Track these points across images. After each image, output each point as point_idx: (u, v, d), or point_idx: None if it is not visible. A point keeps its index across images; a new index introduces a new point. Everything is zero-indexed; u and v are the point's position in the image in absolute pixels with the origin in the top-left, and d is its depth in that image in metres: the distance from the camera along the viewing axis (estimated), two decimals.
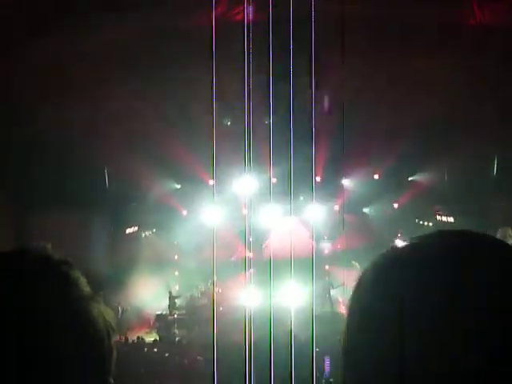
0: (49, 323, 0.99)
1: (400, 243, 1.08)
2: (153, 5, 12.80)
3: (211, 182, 23.75)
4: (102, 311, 1.09)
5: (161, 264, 23.75)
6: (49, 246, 1.18)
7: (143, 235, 23.54)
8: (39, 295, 1.02)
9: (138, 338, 16.64)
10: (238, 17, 12.72)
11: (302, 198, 20.27)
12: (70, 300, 1.05)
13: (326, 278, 24.31)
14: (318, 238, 26.18)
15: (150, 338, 18.08)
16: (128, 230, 22.16)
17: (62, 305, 1.03)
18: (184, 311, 22.49)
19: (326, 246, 26.66)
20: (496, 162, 16.72)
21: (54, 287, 1.06)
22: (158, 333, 19.29)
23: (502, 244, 0.98)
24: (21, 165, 18.27)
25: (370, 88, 18.88)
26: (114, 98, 17.81)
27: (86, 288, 1.11)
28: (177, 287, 24.13)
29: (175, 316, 22.11)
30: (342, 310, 22.85)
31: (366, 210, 25.94)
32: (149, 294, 22.05)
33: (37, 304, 1.00)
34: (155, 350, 16.68)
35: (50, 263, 1.12)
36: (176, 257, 25.09)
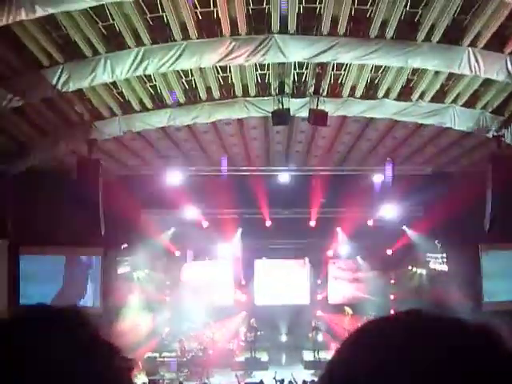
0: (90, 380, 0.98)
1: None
2: None
3: (205, 225, 23.82)
4: (124, 366, 1.06)
5: (152, 305, 23.60)
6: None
7: (135, 276, 23.42)
8: (61, 357, 1.00)
9: None
10: None
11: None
12: (92, 360, 1.03)
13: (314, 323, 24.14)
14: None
15: (139, 380, 17.83)
16: (120, 271, 22.04)
17: (105, 364, 1.01)
18: (174, 354, 22.26)
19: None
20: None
21: (75, 348, 1.04)
22: (146, 375, 19.04)
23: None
24: (13, 202, 18.25)
25: None
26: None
27: (108, 345, 1.10)
28: (167, 329, 23.92)
29: (165, 359, 21.88)
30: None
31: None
32: (139, 336, 21.85)
33: (64, 367, 0.98)
34: None
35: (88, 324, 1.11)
36: (167, 298, 24.96)
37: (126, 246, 21.99)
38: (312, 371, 21.02)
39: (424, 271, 24.18)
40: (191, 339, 22.88)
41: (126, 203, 19.62)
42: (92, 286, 19.62)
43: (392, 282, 25.58)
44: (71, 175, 19.22)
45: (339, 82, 15.21)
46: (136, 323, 21.93)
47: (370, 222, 23.85)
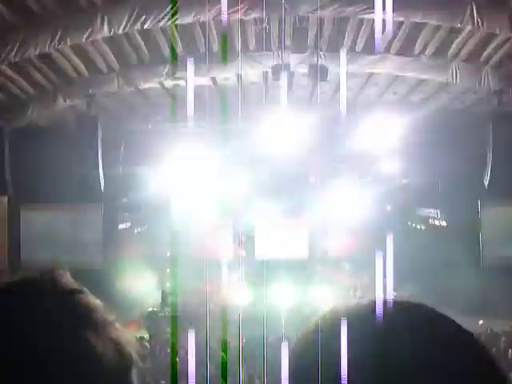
0: (60, 358, 0.94)
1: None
2: None
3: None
4: (120, 340, 1.01)
5: (153, 260, 23.73)
6: (65, 272, 1.12)
7: (135, 231, 23.50)
8: (50, 326, 0.96)
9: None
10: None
11: None
12: (81, 332, 0.98)
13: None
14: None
15: (140, 335, 18.03)
16: (120, 226, 22.11)
17: (73, 337, 0.97)
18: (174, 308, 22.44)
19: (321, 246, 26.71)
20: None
21: (66, 318, 1.00)
22: (147, 330, 19.24)
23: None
24: (11, 159, 18.21)
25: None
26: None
27: (102, 316, 1.04)
28: (168, 284, 24.10)
29: (166, 313, 22.07)
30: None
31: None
32: (140, 291, 22.04)
33: (48, 336, 0.95)
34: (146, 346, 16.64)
35: (63, 291, 1.06)
36: (168, 253, 25.06)
37: (125, 201, 22.01)
38: None
39: (423, 227, 24.27)
40: (192, 294, 23.04)
41: (126, 159, 19.59)
42: (92, 241, 19.66)
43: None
44: (71, 131, 19.18)
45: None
46: (136, 278, 22.09)
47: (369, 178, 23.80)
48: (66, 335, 0.97)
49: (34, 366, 0.93)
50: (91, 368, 0.96)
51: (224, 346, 15.33)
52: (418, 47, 15.16)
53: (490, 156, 17.09)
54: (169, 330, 19.62)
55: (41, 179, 18.24)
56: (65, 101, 17.03)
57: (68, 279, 1.08)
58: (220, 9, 12.49)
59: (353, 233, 26.12)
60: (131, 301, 21.18)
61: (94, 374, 0.96)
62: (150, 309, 22.16)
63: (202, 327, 20.08)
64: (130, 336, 1.07)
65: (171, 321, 20.54)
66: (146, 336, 18.55)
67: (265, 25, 14.60)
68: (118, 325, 1.06)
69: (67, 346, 0.96)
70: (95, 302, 1.07)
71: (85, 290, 1.08)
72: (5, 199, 18.09)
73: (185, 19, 13.11)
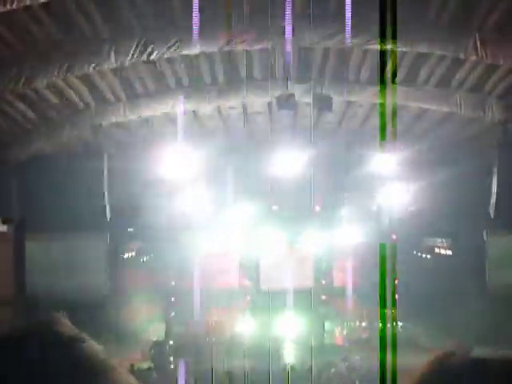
0: None
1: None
2: None
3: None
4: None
5: (158, 290, 23.63)
6: (64, 318, 1.12)
7: (141, 260, 23.46)
8: (50, 378, 0.97)
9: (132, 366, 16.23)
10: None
11: None
12: (81, 381, 0.99)
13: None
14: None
15: (145, 365, 17.86)
16: (126, 255, 22.07)
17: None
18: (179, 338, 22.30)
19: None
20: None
21: (65, 368, 1.00)
22: (152, 361, 19.07)
23: None
24: (18, 188, 18.28)
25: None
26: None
27: (102, 362, 1.05)
28: (173, 313, 23.97)
29: (171, 343, 21.91)
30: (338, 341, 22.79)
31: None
32: (145, 320, 21.92)
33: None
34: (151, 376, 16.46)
35: (63, 341, 1.07)
36: (173, 283, 24.96)
37: (131, 230, 22.01)
38: None
39: (429, 256, 24.11)
40: (197, 324, 22.92)
41: (131, 189, 19.64)
42: (98, 271, 19.64)
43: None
44: (76, 161, 19.26)
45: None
46: (142, 307, 21.99)
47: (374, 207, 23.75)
48: (67, 380, 0.98)
49: None
50: None
51: (228, 377, 15.22)
52: (422, 77, 15.25)
53: (494, 184, 17.09)
54: (174, 360, 19.47)
55: (46, 208, 18.29)
56: (71, 131, 17.15)
57: (67, 326, 1.08)
58: (226, 40, 12.64)
59: (358, 262, 26.00)
60: (136, 331, 21.08)
61: None
62: (155, 339, 22.00)
63: (207, 357, 19.98)
64: (132, 379, 1.07)
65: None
66: (152, 366, 18.39)
67: (270, 57, 14.72)
68: (119, 368, 1.06)
69: None
70: (95, 348, 1.08)
71: (84, 337, 1.08)
72: (10, 228, 18.12)
73: (191, 50, 13.22)
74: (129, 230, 21.93)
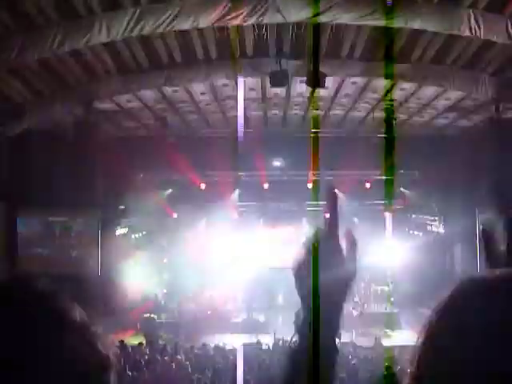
0: (34, 358, 0.94)
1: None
2: None
3: (202, 186, 23.77)
4: (96, 341, 1.01)
5: (150, 266, 23.68)
6: (46, 278, 1.11)
7: (133, 237, 23.47)
8: (23, 328, 0.96)
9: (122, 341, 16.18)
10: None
11: None
12: (59, 334, 0.98)
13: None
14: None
15: (136, 340, 17.91)
16: (118, 232, 22.05)
17: (47, 338, 0.97)
18: (171, 315, 22.37)
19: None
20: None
21: (40, 320, 1.00)
22: (144, 336, 19.13)
23: None
24: (9, 163, 18.20)
25: None
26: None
27: (78, 319, 1.03)
28: (164, 290, 24.03)
29: (163, 320, 21.98)
30: None
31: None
32: (136, 296, 21.99)
33: (21, 338, 0.94)
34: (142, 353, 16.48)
35: (42, 296, 1.06)
36: (165, 260, 25.01)
37: (123, 207, 21.98)
38: None
39: (421, 233, 24.19)
40: (189, 300, 22.99)
41: (123, 165, 19.59)
42: (89, 247, 19.63)
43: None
44: (68, 137, 19.18)
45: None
46: (133, 284, 22.06)
47: (368, 185, 23.73)
48: (39, 336, 0.98)
49: (6, 366, 0.93)
50: (66, 368, 0.96)
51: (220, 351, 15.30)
52: (416, 54, 15.19)
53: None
54: (165, 336, 19.54)
55: (40, 183, 18.23)
56: (62, 106, 17.05)
57: (44, 283, 1.08)
58: (218, 15, 12.53)
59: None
60: (127, 305, 21.16)
61: (68, 375, 0.96)
62: (147, 315, 22.06)
63: (200, 333, 20.07)
64: (108, 338, 1.07)
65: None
66: (144, 342, 18.44)
67: (263, 31, 14.60)
68: (95, 327, 1.06)
69: (41, 347, 0.96)
70: (71, 304, 1.07)
71: (61, 293, 1.08)
72: (3, 202, 18.07)
73: (183, 25, 13.10)
74: (120, 207, 21.93)
